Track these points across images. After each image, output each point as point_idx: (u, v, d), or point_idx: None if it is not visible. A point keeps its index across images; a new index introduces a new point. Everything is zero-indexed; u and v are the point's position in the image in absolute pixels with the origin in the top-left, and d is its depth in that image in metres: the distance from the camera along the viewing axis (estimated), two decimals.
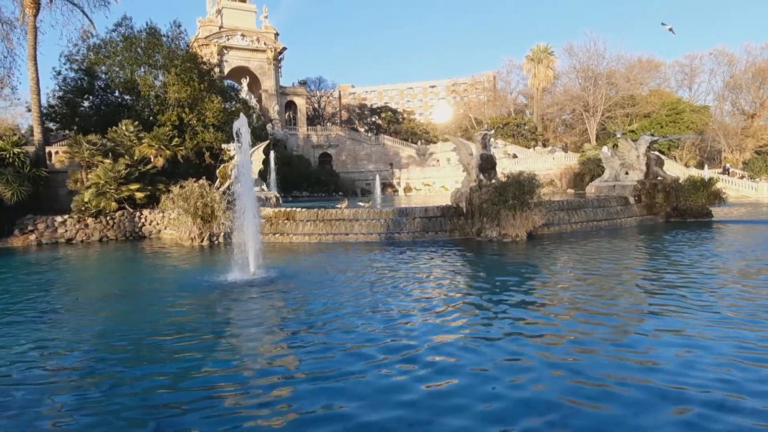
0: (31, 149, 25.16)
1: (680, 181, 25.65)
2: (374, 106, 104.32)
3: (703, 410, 5.05)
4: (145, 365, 6.77)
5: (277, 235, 20.72)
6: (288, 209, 21.97)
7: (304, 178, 55.21)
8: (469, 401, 5.41)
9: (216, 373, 6.46)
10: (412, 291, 10.65)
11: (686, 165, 53.27)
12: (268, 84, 68.87)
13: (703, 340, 7.08)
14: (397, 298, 10.05)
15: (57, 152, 26.91)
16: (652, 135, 28.08)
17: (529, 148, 65.25)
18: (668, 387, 5.58)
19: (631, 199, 24.69)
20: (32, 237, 22.24)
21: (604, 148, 35.13)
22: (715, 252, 15.20)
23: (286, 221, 21.15)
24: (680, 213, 24.40)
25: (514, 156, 59.01)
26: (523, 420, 4.98)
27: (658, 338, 7.23)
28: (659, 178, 25.37)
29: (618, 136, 29.82)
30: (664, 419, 4.90)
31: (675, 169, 39.59)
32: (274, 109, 68.90)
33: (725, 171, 50.07)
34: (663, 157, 30.31)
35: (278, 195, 26.81)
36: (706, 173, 38.73)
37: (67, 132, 31.84)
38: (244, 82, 65.17)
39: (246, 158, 15.05)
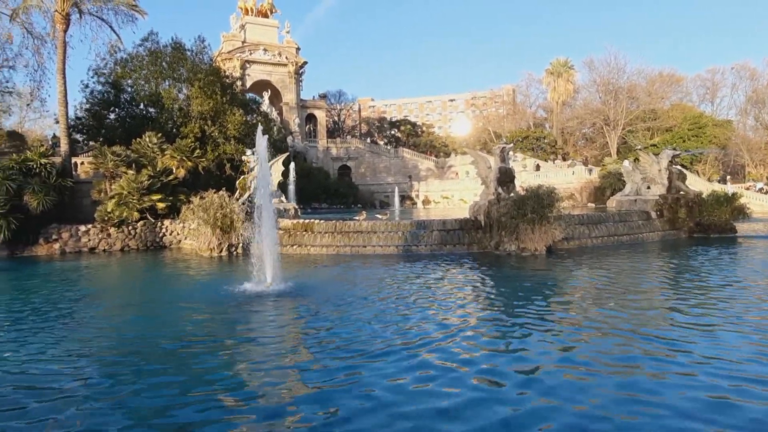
0: (57, 160, 25.81)
1: (703, 196, 25.18)
2: (393, 119, 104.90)
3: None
4: (160, 374, 6.81)
5: (295, 247, 20.84)
6: (306, 221, 22.11)
7: (323, 190, 55.56)
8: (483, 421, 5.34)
9: (226, 383, 6.50)
10: (428, 306, 10.54)
11: (709, 179, 52.29)
12: (288, 97, 69.81)
13: (728, 362, 6.89)
14: (414, 313, 9.93)
15: (83, 163, 27.57)
16: (674, 149, 27.68)
17: (548, 161, 64.79)
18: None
19: (653, 214, 24.30)
20: (56, 246, 22.72)
21: (625, 162, 34.70)
22: (743, 268, 14.84)
23: (304, 233, 21.27)
24: (703, 228, 23.92)
25: (537, 167, 58.62)
26: None
27: (682, 361, 7.02)
28: (681, 192, 24.95)
29: (638, 148, 29.42)
30: None
31: (698, 184, 38.89)
32: (294, 121, 69.74)
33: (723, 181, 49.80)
34: (685, 171, 29.85)
35: (297, 206, 26.99)
36: (729, 188, 38.00)
37: (93, 143, 32.61)
38: (266, 95, 66.22)
39: (264, 171, 15.24)
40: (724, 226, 23.75)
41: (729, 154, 61.45)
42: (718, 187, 35.81)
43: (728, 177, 55.61)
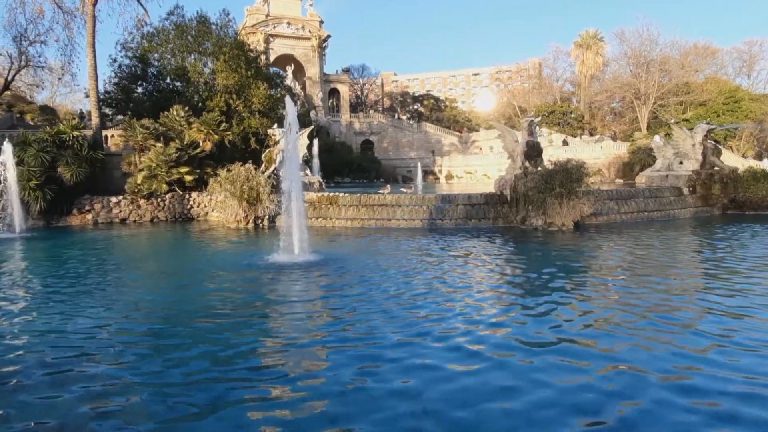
0: (88, 133, 26.30)
1: (739, 172, 24.46)
2: (416, 94, 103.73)
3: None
4: (192, 340, 6.95)
5: (320, 220, 21.00)
6: (331, 194, 22.20)
7: (346, 165, 55.53)
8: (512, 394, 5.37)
9: (257, 348, 6.66)
10: (454, 280, 10.54)
11: (744, 156, 50.67)
12: (312, 71, 69.43)
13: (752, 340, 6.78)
14: (439, 286, 9.97)
15: (112, 136, 28.04)
16: (709, 123, 26.80)
17: (575, 136, 63.47)
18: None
19: (685, 190, 23.73)
20: (89, 216, 23.34)
21: (656, 137, 33.79)
22: None
23: (329, 206, 21.39)
24: (738, 205, 23.32)
25: (565, 143, 57.52)
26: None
27: (710, 337, 6.90)
28: (716, 168, 24.27)
29: (672, 122, 28.59)
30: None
31: (732, 160, 37.65)
32: (317, 96, 69.48)
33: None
34: (720, 147, 28.96)
35: (321, 180, 27.11)
36: (766, 164, 36.75)
37: (122, 117, 33.11)
38: (289, 69, 65.94)
39: (293, 143, 15.28)
40: (760, 203, 23.11)
41: (765, 130, 59.24)
42: (753, 163, 34.72)
43: (764, 153, 53.71)
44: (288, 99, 14.24)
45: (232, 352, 6.45)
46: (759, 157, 52.16)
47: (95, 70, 27.74)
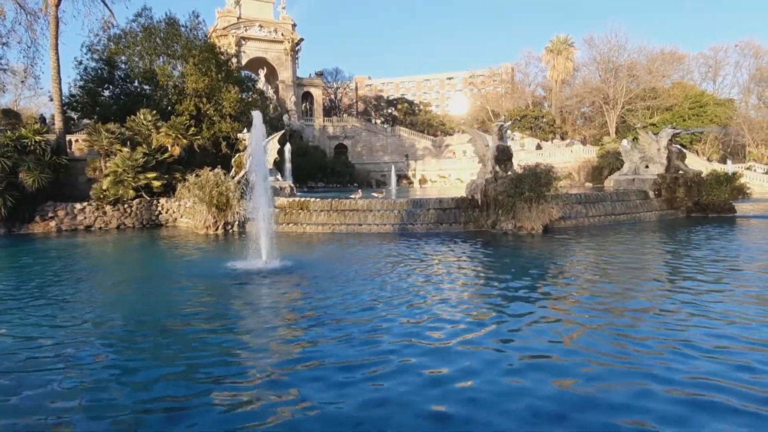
0: (52, 137, 25.55)
1: (702, 176, 25.12)
2: (391, 98, 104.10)
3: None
4: (155, 350, 6.78)
5: (291, 225, 20.78)
6: (302, 199, 22.02)
7: (319, 169, 55.34)
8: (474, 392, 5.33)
9: (222, 358, 6.47)
10: (424, 284, 10.52)
11: (709, 159, 52.19)
12: (285, 75, 69.07)
13: (718, 338, 6.91)
14: (409, 290, 9.92)
15: (77, 140, 27.30)
16: (674, 128, 27.50)
17: (547, 140, 64.53)
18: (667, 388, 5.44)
19: (651, 193, 24.25)
20: (52, 224, 22.64)
21: (624, 142, 34.61)
22: (737, 247, 14.85)
23: (300, 211, 21.20)
24: (702, 208, 23.92)
25: (538, 147, 58.39)
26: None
27: (672, 336, 7.03)
28: (681, 171, 24.88)
29: (639, 127, 29.25)
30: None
31: (697, 164, 38.76)
32: (290, 99, 69.12)
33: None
34: (685, 151, 29.75)
35: (292, 185, 26.90)
36: (730, 168, 37.91)
37: (88, 121, 32.31)
38: (262, 72, 65.43)
39: (259, 149, 15.11)
40: (722, 206, 23.73)
41: (729, 134, 61.17)
42: (717, 167, 35.75)
43: (728, 157, 55.46)
44: (254, 112, 14.10)
45: (189, 365, 6.26)
46: (723, 160, 53.78)
47: (58, 72, 27.01)
